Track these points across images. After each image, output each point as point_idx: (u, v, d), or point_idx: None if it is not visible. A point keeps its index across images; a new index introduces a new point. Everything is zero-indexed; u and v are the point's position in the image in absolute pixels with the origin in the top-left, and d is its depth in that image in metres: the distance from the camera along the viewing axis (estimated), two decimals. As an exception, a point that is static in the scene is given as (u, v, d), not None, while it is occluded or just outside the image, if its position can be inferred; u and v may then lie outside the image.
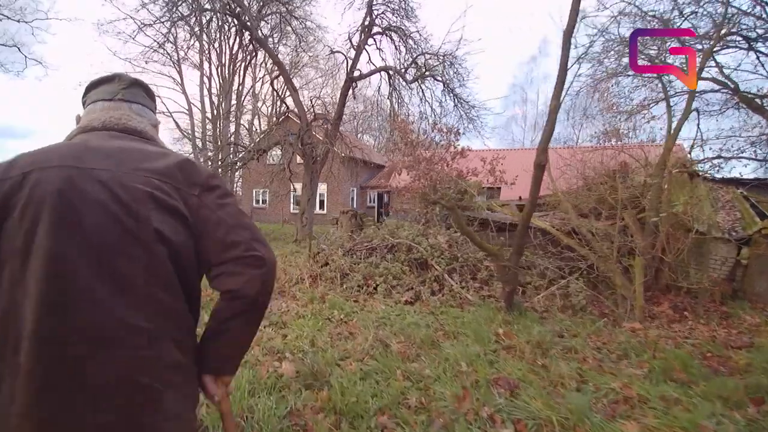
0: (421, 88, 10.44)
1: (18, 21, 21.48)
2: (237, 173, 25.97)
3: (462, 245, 6.13)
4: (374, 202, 25.47)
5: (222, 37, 29.30)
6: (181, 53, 27.23)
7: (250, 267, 0.91)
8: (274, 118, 12.95)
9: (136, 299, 0.82)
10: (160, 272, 0.85)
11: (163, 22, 10.06)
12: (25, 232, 0.79)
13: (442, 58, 9.89)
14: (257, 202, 25.49)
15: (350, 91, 11.29)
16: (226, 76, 29.28)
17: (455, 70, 9.96)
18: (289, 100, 13.52)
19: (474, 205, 7.23)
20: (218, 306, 0.95)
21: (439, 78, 10.30)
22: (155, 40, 10.44)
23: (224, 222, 0.92)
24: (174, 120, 30.49)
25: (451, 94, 10.40)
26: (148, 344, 0.83)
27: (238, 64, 29.12)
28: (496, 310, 4.64)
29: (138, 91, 1.09)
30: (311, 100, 12.49)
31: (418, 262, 5.83)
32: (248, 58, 13.19)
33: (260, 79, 32.96)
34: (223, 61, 29.57)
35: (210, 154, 18.75)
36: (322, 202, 23.13)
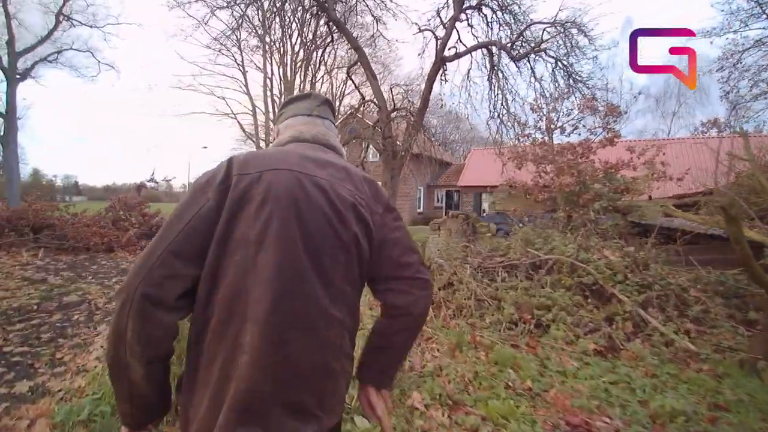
0: (530, 65, 8.69)
1: (90, 27, 22.18)
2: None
3: (648, 265, 4.35)
4: (442, 201, 23.80)
5: (284, 37, 29.27)
6: (245, 56, 27.48)
7: (418, 288, 1.02)
8: (351, 109, 11.62)
9: (335, 294, 0.91)
10: (351, 273, 0.95)
11: (237, 5, 9.09)
12: (262, 225, 0.86)
13: (560, 27, 8.04)
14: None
15: (440, 74, 9.72)
16: (288, 75, 29.15)
17: (576, 42, 8.07)
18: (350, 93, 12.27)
19: (639, 208, 5.39)
20: (383, 322, 1.08)
21: (552, 53, 8.48)
22: (236, 19, 9.50)
23: (400, 243, 1.02)
24: (238, 121, 30.92)
25: (564, 73, 8.53)
26: (339, 334, 0.93)
27: (300, 63, 28.88)
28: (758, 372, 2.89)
29: (327, 109, 1.18)
30: (391, 89, 11.06)
31: (591, 288, 4.13)
32: (323, 46, 12.00)
33: (320, 78, 32.71)
34: (285, 61, 29.50)
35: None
36: (387, 203, 21.86)
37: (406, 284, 1.02)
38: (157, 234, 0.87)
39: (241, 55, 29.86)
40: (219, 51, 30.41)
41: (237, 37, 20.90)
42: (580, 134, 5.98)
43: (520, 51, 8.62)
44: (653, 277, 4.14)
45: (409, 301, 1.02)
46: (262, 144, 28.63)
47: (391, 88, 10.99)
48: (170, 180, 13.47)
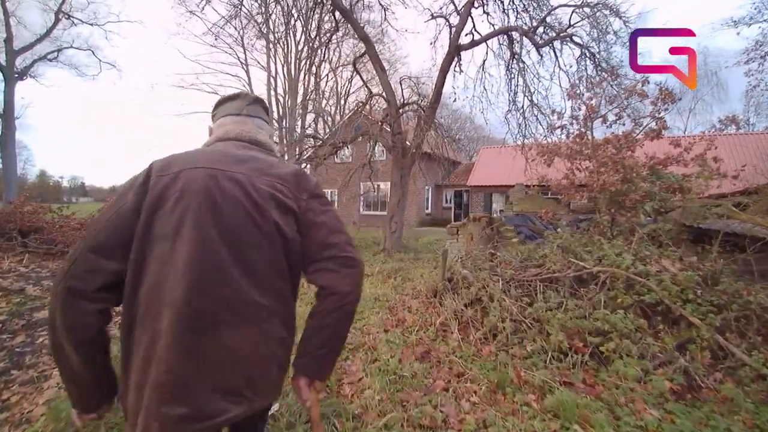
0: (554, 53, 7.94)
1: (91, 24, 21.68)
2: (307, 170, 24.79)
3: (718, 279, 3.63)
4: (451, 202, 23.06)
5: (288, 33, 28.80)
6: (249, 55, 27.01)
7: (345, 266, 1.06)
8: (360, 105, 10.92)
9: (260, 282, 0.98)
10: (278, 261, 1.02)
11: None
12: (176, 220, 0.94)
13: (590, 9, 7.29)
14: (325, 203, 23.97)
15: (453, 65, 9.00)
16: (292, 73, 28.65)
17: (609, 23, 7.30)
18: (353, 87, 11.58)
19: (692, 210, 4.65)
20: (316, 305, 1.09)
21: (579, 40, 7.74)
22: (234, 6, 8.87)
23: (326, 225, 1.08)
24: (241, 120, 30.39)
25: (593, 61, 7.79)
26: (266, 319, 0.99)
27: (305, 60, 28.41)
28: None
29: (258, 108, 1.26)
30: (400, 82, 10.36)
31: (653, 308, 3.42)
32: (328, 39, 11.34)
33: (325, 76, 32.17)
34: (290, 59, 29.02)
35: (278, 155, 17.40)
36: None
37: (332, 263, 1.06)
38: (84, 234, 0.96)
39: (245, 53, 29.42)
40: (214, 45, 29.96)
41: (235, 27, 20.33)
42: (624, 124, 5.26)
43: (543, 38, 7.91)
44: (728, 294, 3.42)
45: (336, 278, 1.05)
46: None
47: (400, 82, 10.29)
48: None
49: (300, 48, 28.35)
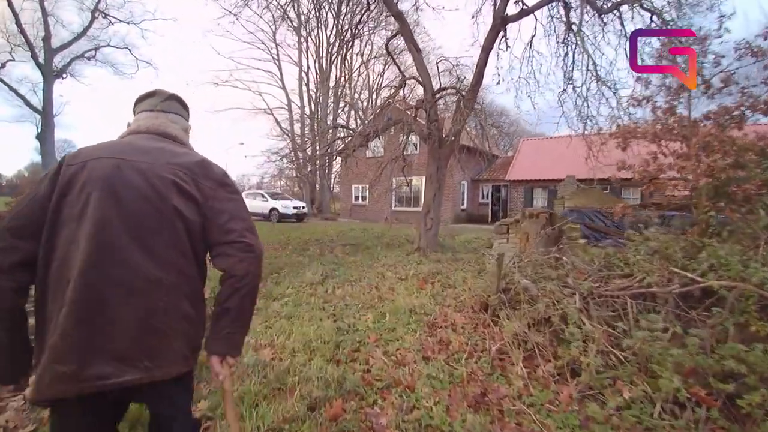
0: (620, 21, 6.81)
1: (127, 23, 21.94)
2: (333, 168, 24.32)
3: None
4: (488, 198, 21.84)
5: (319, 26, 28.36)
6: (281, 49, 26.78)
7: (241, 251, 1.17)
8: (393, 89, 10.13)
9: (159, 261, 1.07)
10: (178, 242, 1.11)
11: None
12: (82, 204, 1.05)
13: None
14: (356, 198, 23.40)
15: (498, 41, 8.00)
16: (324, 67, 28.24)
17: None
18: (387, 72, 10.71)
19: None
20: (219, 290, 1.20)
21: (649, 5, 6.56)
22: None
23: (227, 212, 1.18)
24: (274, 116, 30.39)
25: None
26: (165, 296, 1.07)
27: (335, 54, 27.92)
28: None
29: (173, 103, 1.36)
30: (437, 64, 9.45)
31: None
32: (359, 18, 10.57)
33: (356, 69, 31.58)
34: (321, 54, 28.65)
35: (308, 149, 16.83)
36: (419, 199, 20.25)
37: (229, 248, 1.17)
38: None
39: (277, 49, 29.31)
40: (249, 42, 29.87)
41: (257, 13, 19.96)
42: (731, 93, 4.15)
43: (607, 4, 6.79)
44: None
45: (231, 263, 1.17)
46: (297, 139, 27.91)
47: (437, 63, 9.36)
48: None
49: (331, 41, 27.88)
